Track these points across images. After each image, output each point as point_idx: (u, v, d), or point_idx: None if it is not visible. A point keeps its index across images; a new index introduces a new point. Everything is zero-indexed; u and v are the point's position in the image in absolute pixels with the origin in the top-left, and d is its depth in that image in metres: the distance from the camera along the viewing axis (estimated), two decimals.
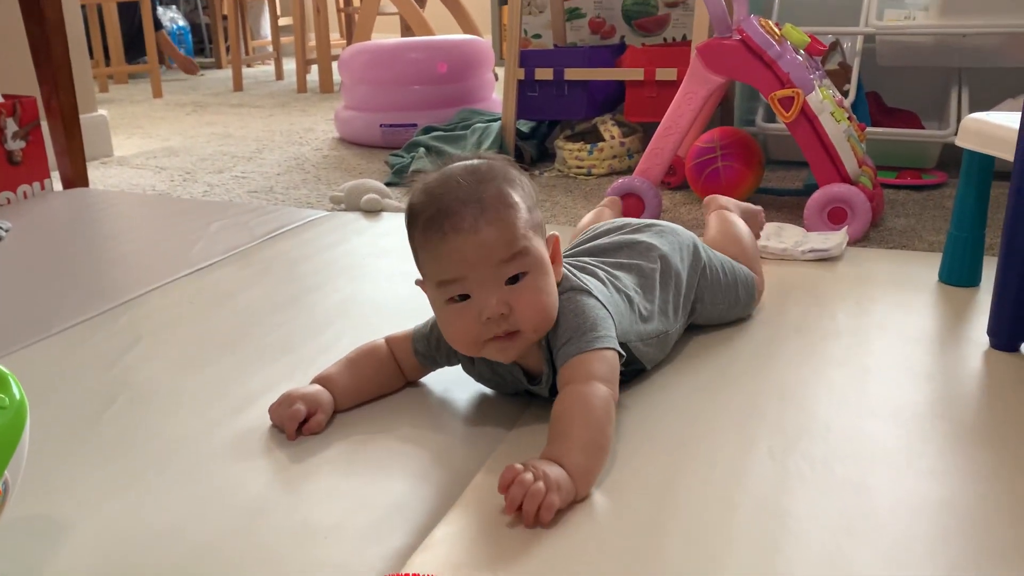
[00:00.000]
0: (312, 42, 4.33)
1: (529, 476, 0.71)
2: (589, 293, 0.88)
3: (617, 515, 0.73)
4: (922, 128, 2.08)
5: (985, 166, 1.18)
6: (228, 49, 4.74)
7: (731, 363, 1.02)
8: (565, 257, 0.97)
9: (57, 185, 2.04)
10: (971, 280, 1.23)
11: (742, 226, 1.23)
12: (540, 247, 0.84)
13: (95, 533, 0.74)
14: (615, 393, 0.82)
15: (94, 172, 2.33)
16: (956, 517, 0.72)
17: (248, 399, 0.96)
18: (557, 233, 0.88)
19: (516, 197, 0.83)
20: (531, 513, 0.70)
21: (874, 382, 0.97)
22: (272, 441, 0.87)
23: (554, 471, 0.73)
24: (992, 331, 1.04)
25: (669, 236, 1.05)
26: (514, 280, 0.82)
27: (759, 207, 1.39)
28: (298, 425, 0.87)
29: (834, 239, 1.40)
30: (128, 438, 0.90)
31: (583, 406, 0.79)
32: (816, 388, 0.96)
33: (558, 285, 0.86)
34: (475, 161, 0.85)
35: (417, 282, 0.89)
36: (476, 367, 0.94)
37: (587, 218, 1.36)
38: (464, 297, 0.82)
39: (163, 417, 0.94)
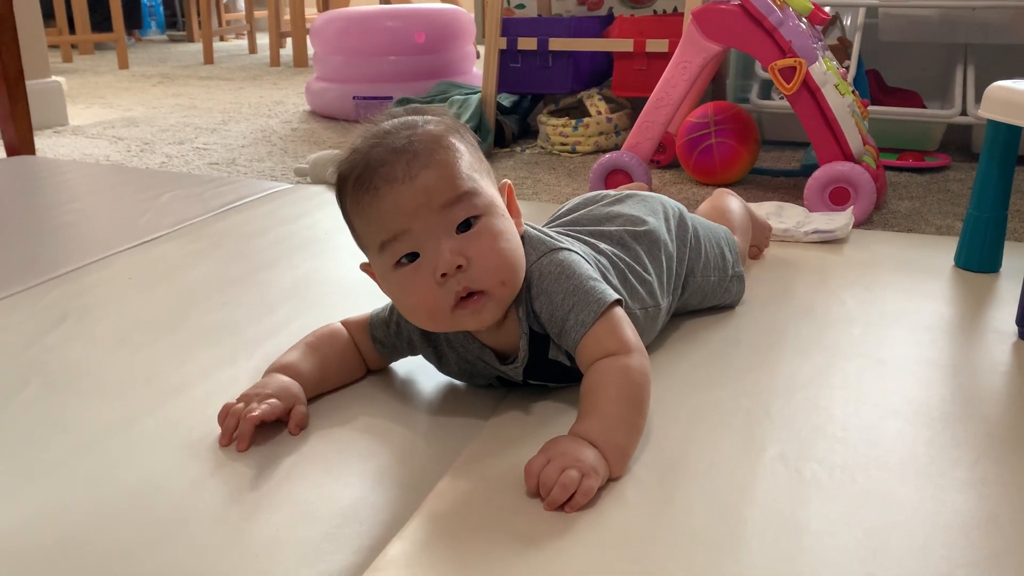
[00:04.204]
0: (287, 15, 4.16)
1: (574, 475, 0.63)
2: (567, 250, 0.76)
3: (605, 531, 0.61)
4: (924, 109, 1.98)
5: (1011, 139, 1.07)
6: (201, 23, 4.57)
7: (732, 354, 0.90)
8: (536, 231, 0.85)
9: None
10: (991, 265, 1.13)
11: (736, 203, 1.12)
12: (491, 190, 0.74)
13: None
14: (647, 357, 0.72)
15: (44, 141, 2.18)
16: (1004, 537, 0.61)
17: (178, 387, 0.83)
18: (510, 181, 0.77)
19: (453, 140, 0.72)
20: (563, 502, 0.63)
21: (893, 376, 0.86)
22: (202, 437, 0.75)
23: (589, 456, 0.65)
24: (1022, 320, 0.93)
25: (654, 205, 0.93)
26: (466, 227, 0.71)
27: (768, 224, 1.22)
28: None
29: (839, 220, 1.29)
30: (33, 432, 0.77)
31: (621, 378, 0.70)
32: (829, 382, 0.84)
33: (526, 250, 0.74)
34: (408, 116, 0.74)
35: (362, 266, 0.77)
36: (441, 356, 0.82)
37: None
38: (413, 257, 0.71)
39: (77, 407, 0.81)
